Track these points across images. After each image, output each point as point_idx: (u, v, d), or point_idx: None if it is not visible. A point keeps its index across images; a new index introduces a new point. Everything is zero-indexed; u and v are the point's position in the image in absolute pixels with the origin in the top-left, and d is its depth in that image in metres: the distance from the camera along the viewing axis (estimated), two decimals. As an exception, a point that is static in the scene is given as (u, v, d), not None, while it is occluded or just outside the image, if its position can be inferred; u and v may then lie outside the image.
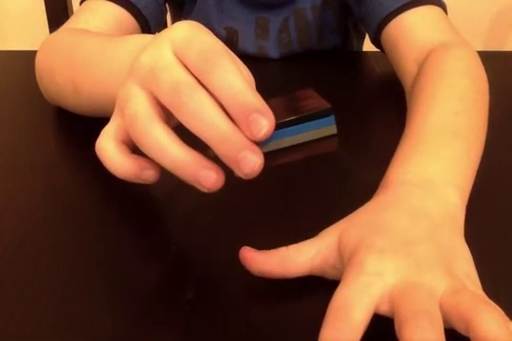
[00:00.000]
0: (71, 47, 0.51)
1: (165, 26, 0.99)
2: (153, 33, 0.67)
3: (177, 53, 0.30)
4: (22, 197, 0.45)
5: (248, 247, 0.35)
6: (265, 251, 0.35)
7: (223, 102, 0.29)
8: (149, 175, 0.33)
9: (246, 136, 0.29)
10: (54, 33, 0.58)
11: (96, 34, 0.53)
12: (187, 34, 0.31)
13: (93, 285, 0.36)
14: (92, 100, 0.45)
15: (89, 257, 0.38)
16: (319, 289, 0.34)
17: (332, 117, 0.33)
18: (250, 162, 0.29)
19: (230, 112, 0.29)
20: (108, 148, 0.33)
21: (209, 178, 0.30)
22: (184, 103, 0.29)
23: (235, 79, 0.29)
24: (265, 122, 0.28)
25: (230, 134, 0.28)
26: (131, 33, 0.62)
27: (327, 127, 0.33)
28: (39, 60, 0.56)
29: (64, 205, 0.44)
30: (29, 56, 0.58)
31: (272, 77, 0.68)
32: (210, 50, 0.29)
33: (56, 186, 0.46)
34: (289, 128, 0.31)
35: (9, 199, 0.44)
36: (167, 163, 0.30)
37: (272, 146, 0.30)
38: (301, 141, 0.31)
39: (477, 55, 0.53)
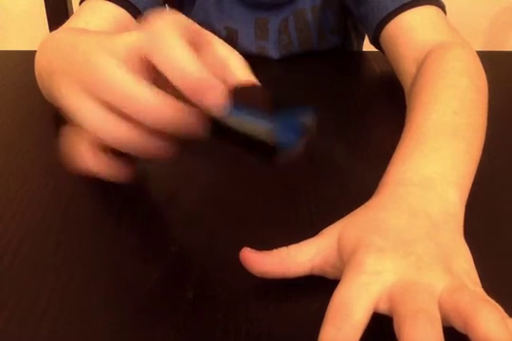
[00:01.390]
0: (71, 46, 0.51)
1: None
2: None
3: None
4: (21, 197, 0.45)
5: (248, 248, 0.35)
6: (265, 251, 0.35)
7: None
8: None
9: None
10: (54, 32, 0.58)
11: (95, 32, 0.53)
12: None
13: (93, 285, 0.36)
14: None
15: (89, 257, 0.38)
16: (319, 288, 0.34)
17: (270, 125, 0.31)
18: (217, 90, 0.29)
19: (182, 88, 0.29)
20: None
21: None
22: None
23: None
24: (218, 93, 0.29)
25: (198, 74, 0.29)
26: None
27: (268, 132, 0.31)
28: (39, 59, 0.56)
29: (65, 205, 0.44)
30: (29, 56, 0.58)
31: (272, 77, 0.68)
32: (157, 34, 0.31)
33: (56, 186, 0.46)
34: (248, 115, 0.30)
35: (9, 199, 0.44)
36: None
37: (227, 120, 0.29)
38: (242, 130, 0.30)
39: (476, 55, 0.53)
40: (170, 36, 0.31)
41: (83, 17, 0.61)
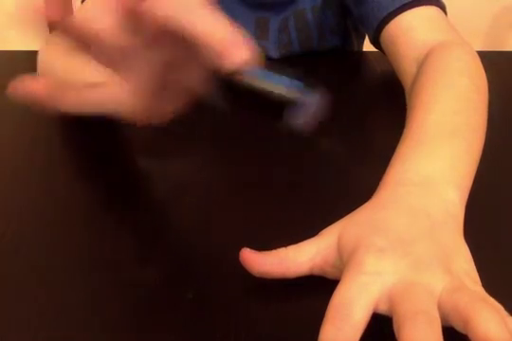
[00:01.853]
0: (72, 58, 0.51)
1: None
2: None
3: None
4: (21, 198, 0.45)
5: (248, 249, 0.35)
6: (264, 252, 0.35)
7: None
8: None
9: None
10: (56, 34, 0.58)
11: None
12: None
13: (93, 285, 0.36)
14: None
15: (89, 257, 0.38)
16: (319, 288, 0.34)
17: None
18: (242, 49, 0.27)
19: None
20: None
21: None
22: None
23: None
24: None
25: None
26: None
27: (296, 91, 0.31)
28: (41, 60, 0.56)
29: (64, 205, 0.44)
30: (30, 56, 0.58)
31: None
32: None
33: (57, 186, 0.46)
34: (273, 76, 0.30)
35: (8, 199, 0.44)
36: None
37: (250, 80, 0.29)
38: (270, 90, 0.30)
39: (476, 55, 0.53)
40: None
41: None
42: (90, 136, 0.52)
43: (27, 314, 0.34)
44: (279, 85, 0.30)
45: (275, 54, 0.72)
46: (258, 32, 0.72)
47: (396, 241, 0.32)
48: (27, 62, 0.60)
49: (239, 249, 0.35)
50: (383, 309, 0.30)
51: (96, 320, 0.33)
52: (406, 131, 0.44)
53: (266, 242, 0.35)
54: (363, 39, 0.85)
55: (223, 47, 0.27)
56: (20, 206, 0.44)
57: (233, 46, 0.27)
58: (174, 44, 0.29)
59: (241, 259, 0.35)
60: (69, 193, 0.45)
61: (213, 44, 0.27)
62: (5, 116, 0.59)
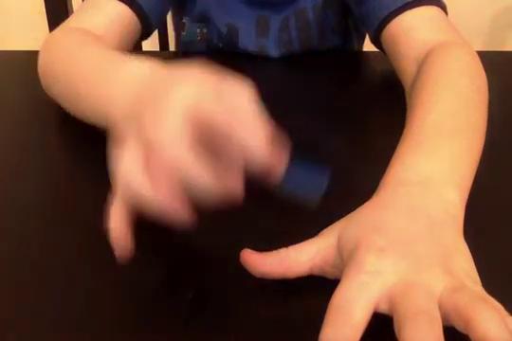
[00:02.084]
0: (73, 60, 0.52)
1: (164, 26, 1.00)
2: (152, 30, 0.67)
3: (189, 117, 0.32)
4: (21, 197, 0.45)
5: (249, 249, 0.35)
6: (265, 252, 0.35)
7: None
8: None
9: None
10: (58, 31, 0.58)
11: (96, 47, 0.53)
12: (195, 97, 0.32)
13: (92, 285, 0.36)
14: (87, 117, 0.47)
15: (89, 257, 0.38)
16: (319, 288, 0.34)
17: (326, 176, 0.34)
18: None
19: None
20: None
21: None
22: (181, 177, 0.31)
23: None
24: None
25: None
26: (133, 31, 0.64)
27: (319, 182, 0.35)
28: (42, 59, 0.56)
29: (65, 205, 0.44)
30: (30, 56, 0.58)
31: (272, 76, 0.68)
32: (234, 97, 0.32)
33: (57, 186, 0.46)
34: None
35: (8, 199, 0.44)
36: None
37: None
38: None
39: (476, 55, 0.53)
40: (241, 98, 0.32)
41: (87, 14, 0.62)
42: (90, 137, 0.52)
43: (28, 314, 0.34)
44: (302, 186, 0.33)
45: (275, 53, 0.72)
46: (258, 31, 0.72)
47: (397, 240, 0.32)
48: (27, 62, 0.60)
49: (239, 249, 0.35)
50: (384, 308, 0.30)
51: (96, 320, 0.33)
52: (406, 131, 0.44)
53: (267, 243, 0.35)
54: (363, 39, 0.85)
55: (270, 164, 0.31)
56: (20, 206, 0.44)
57: (278, 163, 0.31)
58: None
59: (242, 259, 0.35)
60: (70, 193, 0.45)
61: (261, 160, 0.31)
62: (6, 115, 0.59)
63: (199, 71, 0.35)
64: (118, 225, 0.33)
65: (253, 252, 0.35)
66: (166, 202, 0.32)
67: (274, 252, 0.35)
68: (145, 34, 0.67)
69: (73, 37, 0.56)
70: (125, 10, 0.62)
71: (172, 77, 0.36)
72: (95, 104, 0.45)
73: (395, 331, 0.28)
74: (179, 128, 0.32)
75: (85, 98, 0.47)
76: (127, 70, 0.42)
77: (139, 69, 0.40)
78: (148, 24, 0.65)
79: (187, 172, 0.31)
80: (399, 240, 0.32)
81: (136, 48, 0.96)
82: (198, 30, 0.76)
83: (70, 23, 0.61)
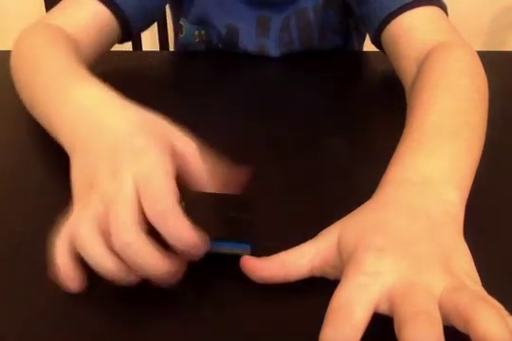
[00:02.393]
0: (36, 65, 0.51)
1: (164, 25, 0.99)
2: (134, 33, 0.66)
3: (137, 190, 0.33)
4: (21, 197, 0.45)
5: (248, 256, 0.35)
6: (264, 257, 0.35)
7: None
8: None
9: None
10: (31, 28, 0.58)
11: (58, 52, 0.52)
12: (148, 173, 0.34)
13: (92, 285, 0.36)
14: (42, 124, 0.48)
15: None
16: (319, 288, 0.34)
17: (248, 247, 0.36)
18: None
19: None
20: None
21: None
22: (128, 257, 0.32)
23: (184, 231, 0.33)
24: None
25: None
26: (109, 32, 0.62)
27: (243, 250, 0.36)
28: (12, 60, 0.56)
29: (65, 205, 0.44)
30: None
31: (272, 76, 0.68)
32: (160, 202, 0.33)
33: (58, 186, 0.46)
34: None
35: (8, 199, 0.44)
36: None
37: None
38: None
39: (476, 55, 0.53)
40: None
41: (64, 14, 0.60)
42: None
43: (28, 314, 0.34)
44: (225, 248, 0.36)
45: (275, 52, 0.72)
46: (259, 31, 0.72)
47: (396, 240, 0.32)
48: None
49: (239, 249, 0.35)
50: (384, 309, 0.30)
51: (96, 320, 0.33)
52: (406, 131, 0.44)
53: (267, 243, 0.35)
54: (364, 39, 0.85)
55: (185, 250, 0.33)
56: (20, 206, 0.44)
57: (193, 249, 0.33)
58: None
59: (241, 265, 0.35)
60: (70, 193, 0.45)
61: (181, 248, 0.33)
62: (4, 115, 0.59)
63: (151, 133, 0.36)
64: (64, 261, 0.34)
65: (253, 258, 0.35)
66: (112, 269, 0.33)
67: (273, 256, 0.35)
68: (126, 36, 0.65)
69: (41, 36, 0.56)
70: (103, 11, 0.61)
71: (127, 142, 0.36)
72: (47, 123, 0.46)
73: (396, 331, 0.28)
74: (132, 213, 0.33)
75: (40, 115, 0.48)
76: (77, 95, 0.43)
77: (89, 100, 0.42)
78: (128, 26, 0.63)
79: (136, 256, 0.32)
80: (399, 240, 0.32)
81: (136, 48, 0.96)
82: (196, 32, 0.76)
83: (45, 19, 0.60)
